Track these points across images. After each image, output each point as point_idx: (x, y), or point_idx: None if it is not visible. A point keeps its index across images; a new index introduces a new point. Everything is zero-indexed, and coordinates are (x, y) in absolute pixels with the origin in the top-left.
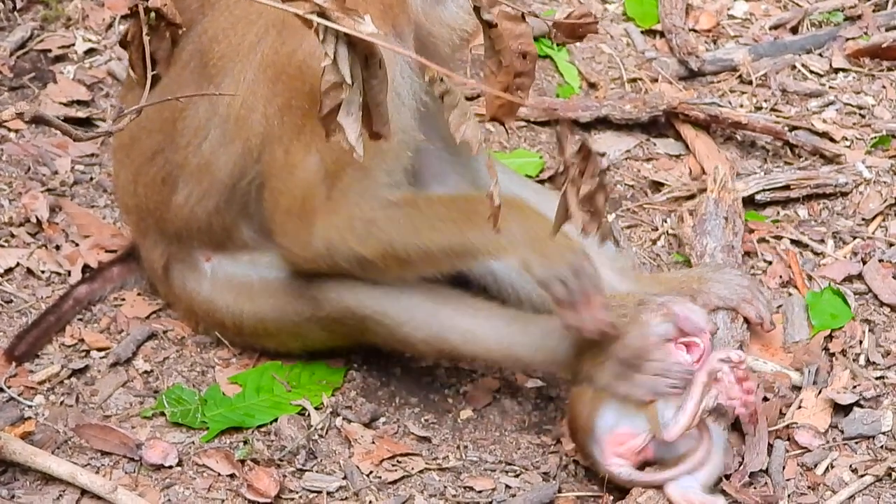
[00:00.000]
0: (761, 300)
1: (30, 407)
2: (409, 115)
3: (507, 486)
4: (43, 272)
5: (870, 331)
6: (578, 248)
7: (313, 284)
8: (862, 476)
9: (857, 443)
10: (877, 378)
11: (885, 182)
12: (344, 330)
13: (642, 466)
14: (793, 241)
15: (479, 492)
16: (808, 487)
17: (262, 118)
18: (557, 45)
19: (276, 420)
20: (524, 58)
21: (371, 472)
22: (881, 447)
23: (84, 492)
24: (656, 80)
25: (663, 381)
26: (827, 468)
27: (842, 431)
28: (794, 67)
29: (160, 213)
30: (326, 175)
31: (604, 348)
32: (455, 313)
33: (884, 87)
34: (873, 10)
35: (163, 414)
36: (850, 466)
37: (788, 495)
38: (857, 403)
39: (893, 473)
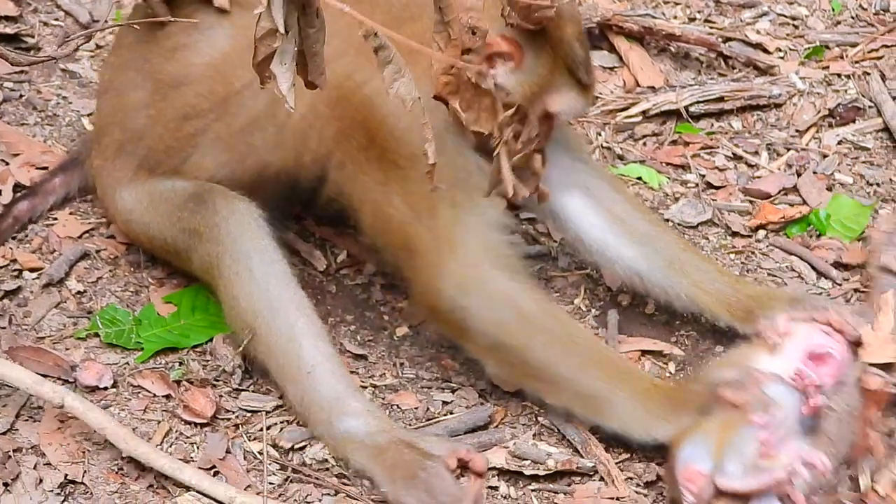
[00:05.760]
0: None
1: None
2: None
3: (444, 403)
4: None
5: (803, 244)
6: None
7: None
8: None
9: None
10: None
11: (818, 93)
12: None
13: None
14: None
15: (416, 409)
16: None
17: (318, 138)
18: (508, 24)
19: (211, 340)
20: (473, 33)
21: None
22: None
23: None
24: None
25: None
26: None
27: None
28: None
29: (164, 156)
30: (419, 213)
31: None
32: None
33: None
34: None
35: (97, 335)
36: None
37: None
38: None
39: None
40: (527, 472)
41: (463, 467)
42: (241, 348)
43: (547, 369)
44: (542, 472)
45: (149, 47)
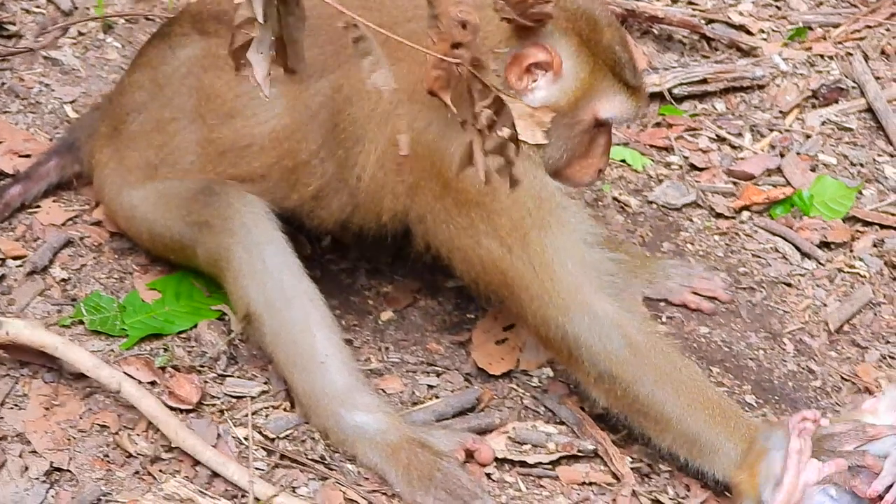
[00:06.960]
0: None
1: None
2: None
3: (429, 386)
4: None
5: (787, 225)
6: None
7: None
8: None
9: None
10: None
11: (801, 74)
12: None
13: None
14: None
15: (401, 392)
16: None
17: (392, 195)
18: (503, 19)
19: (195, 326)
20: (464, 28)
21: None
22: None
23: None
24: None
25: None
26: None
27: None
28: None
29: (199, 173)
30: (511, 247)
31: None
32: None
33: None
34: None
35: (81, 322)
36: None
37: None
38: None
39: None
40: (530, 460)
41: (469, 456)
42: (233, 333)
43: (654, 406)
44: (545, 459)
45: (199, 100)
